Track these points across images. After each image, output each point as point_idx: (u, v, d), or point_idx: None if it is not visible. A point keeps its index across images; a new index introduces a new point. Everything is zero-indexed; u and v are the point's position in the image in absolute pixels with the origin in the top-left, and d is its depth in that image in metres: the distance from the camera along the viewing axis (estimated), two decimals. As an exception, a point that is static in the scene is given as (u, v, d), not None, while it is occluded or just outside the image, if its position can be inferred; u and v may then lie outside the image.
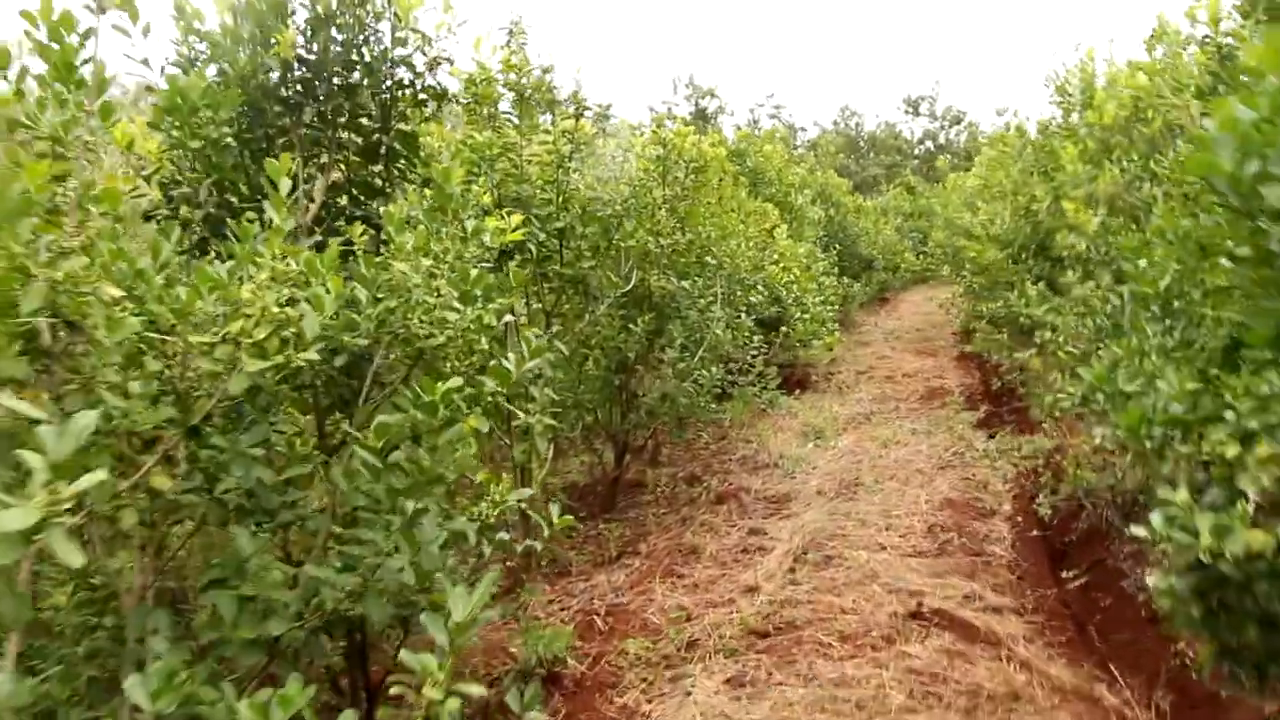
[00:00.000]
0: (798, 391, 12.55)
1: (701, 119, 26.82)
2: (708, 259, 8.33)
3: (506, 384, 3.42)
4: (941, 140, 48.04)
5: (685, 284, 7.74)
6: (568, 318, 7.07)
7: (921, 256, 24.89)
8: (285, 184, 2.75)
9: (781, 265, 10.63)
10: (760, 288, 9.40)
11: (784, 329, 10.60)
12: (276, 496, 2.82)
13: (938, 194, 28.23)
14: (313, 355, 2.60)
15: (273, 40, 3.63)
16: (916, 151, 47.87)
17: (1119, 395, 3.82)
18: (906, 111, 49.06)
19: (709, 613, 5.66)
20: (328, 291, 2.65)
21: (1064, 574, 6.09)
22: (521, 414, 5.96)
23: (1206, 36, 5.13)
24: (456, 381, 2.84)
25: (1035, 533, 6.71)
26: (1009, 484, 7.87)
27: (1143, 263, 5.02)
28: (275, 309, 2.57)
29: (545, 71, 7.01)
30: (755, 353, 8.83)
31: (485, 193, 4.72)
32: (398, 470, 2.74)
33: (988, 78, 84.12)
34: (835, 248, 17.30)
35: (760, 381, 9.50)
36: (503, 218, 4.26)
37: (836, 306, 13.76)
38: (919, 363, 14.87)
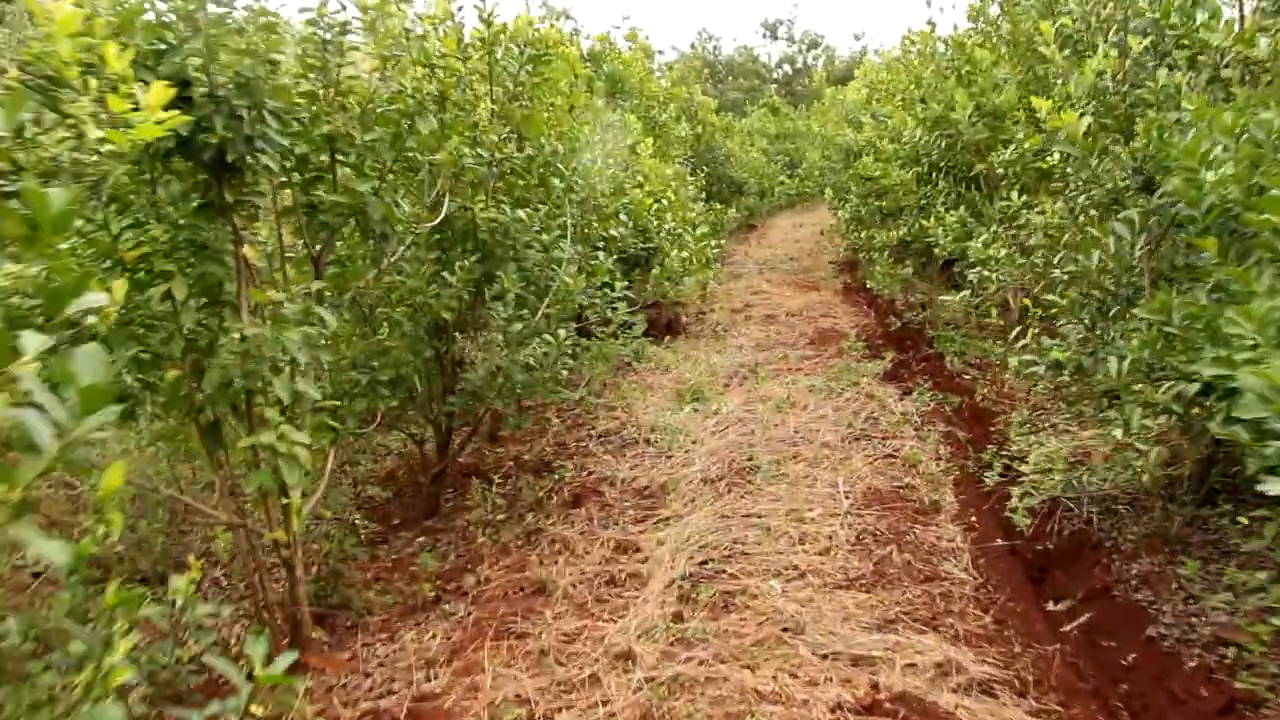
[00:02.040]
0: (667, 339, 10.66)
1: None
2: (554, 180, 6.28)
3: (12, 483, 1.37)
4: (800, 64, 47.02)
5: (522, 214, 5.67)
6: (354, 266, 4.95)
7: (795, 179, 23.23)
8: None
9: (647, 190, 8.59)
10: (623, 217, 7.37)
11: (654, 269, 8.59)
12: None
13: (806, 115, 26.65)
14: None
15: None
16: (775, 75, 46.65)
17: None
18: (764, 35, 48.12)
19: (560, 710, 3.77)
20: None
21: (1051, 605, 4.41)
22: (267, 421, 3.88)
23: None
24: None
25: (1000, 541, 5.03)
26: (943, 462, 6.20)
27: (1210, 175, 3.26)
28: None
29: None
30: (619, 300, 6.78)
31: (118, 58, 2.58)
32: None
33: (843, 1, 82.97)
34: (703, 170, 15.41)
35: (624, 333, 7.51)
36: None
37: (716, 242, 11.85)
38: (801, 299, 13.17)
